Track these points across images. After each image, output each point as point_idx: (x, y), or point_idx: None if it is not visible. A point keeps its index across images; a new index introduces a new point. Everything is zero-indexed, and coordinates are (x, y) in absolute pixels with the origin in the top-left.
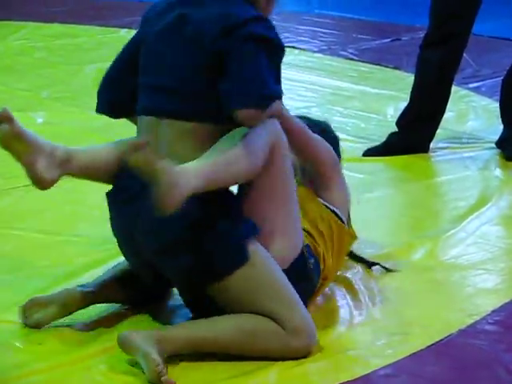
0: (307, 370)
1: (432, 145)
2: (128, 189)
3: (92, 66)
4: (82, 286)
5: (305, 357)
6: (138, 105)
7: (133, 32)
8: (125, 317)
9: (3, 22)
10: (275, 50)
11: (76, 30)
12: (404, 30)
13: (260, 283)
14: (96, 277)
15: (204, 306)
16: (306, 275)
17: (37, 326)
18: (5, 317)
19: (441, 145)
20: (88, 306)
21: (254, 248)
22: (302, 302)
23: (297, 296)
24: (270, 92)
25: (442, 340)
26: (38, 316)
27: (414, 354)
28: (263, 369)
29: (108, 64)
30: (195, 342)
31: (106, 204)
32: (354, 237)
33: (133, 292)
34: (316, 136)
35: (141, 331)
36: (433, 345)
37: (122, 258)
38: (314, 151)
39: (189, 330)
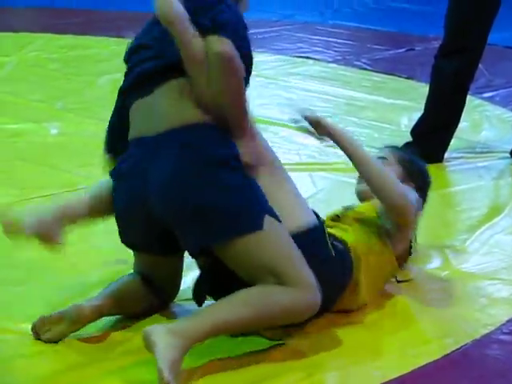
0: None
1: (446, 154)
2: (132, 156)
3: (105, 77)
4: (89, 300)
5: (315, 312)
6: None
7: None
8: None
9: (18, 34)
10: None
11: (89, 42)
12: (417, 40)
13: (269, 249)
14: (102, 290)
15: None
16: (321, 250)
17: (49, 342)
18: (19, 327)
19: (455, 154)
20: (97, 319)
21: (270, 221)
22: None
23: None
24: None
25: (457, 350)
26: (50, 334)
27: (429, 363)
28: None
29: (122, 75)
30: (218, 329)
31: None
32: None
33: (140, 303)
34: (383, 171)
35: (165, 326)
36: (448, 355)
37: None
38: (381, 189)
39: (210, 317)
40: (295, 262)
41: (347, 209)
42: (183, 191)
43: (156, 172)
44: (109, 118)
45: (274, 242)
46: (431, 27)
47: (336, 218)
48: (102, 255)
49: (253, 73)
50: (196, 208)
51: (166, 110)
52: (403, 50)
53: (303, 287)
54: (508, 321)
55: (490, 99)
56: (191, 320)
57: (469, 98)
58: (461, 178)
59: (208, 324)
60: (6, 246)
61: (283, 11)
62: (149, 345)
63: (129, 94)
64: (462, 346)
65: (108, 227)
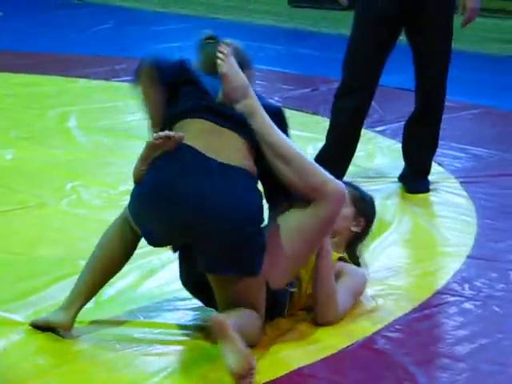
0: None
1: (345, 178)
2: (179, 160)
3: (54, 110)
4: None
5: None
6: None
7: (91, 82)
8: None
9: None
10: None
11: (40, 80)
12: (321, 81)
13: (255, 288)
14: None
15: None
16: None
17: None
18: None
19: (352, 179)
20: None
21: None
22: None
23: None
24: None
25: (350, 345)
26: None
27: (326, 357)
28: None
29: (69, 108)
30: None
31: (65, 227)
32: None
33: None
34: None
35: (231, 318)
36: (343, 349)
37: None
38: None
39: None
40: (263, 300)
41: None
42: (235, 222)
43: (212, 191)
44: None
45: (261, 285)
46: (332, 70)
47: None
48: (50, 263)
49: None
50: (231, 247)
51: (233, 149)
52: (309, 89)
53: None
54: (394, 320)
55: (382, 132)
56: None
57: (364, 131)
58: None
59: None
60: None
61: None
62: (221, 333)
63: (203, 105)
64: (355, 342)
65: (55, 238)
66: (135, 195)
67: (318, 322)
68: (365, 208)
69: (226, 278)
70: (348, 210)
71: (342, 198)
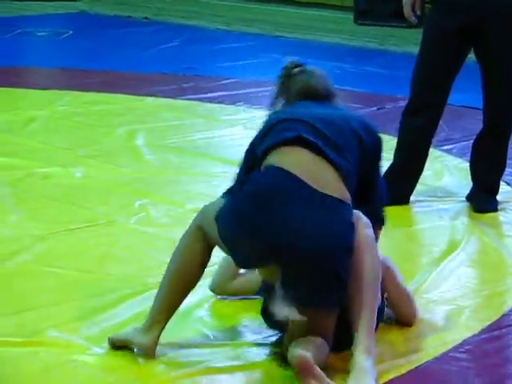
0: None
1: (412, 197)
2: (276, 184)
3: (122, 128)
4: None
5: None
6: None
7: (159, 100)
8: None
9: (49, 91)
10: None
11: (108, 98)
12: (387, 99)
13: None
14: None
15: None
16: None
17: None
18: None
19: (420, 198)
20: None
21: None
22: None
23: None
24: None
25: (420, 365)
26: None
27: (396, 377)
28: None
29: (136, 126)
30: None
31: (134, 245)
32: None
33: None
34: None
35: (311, 353)
36: (413, 369)
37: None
38: None
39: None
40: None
41: None
42: (335, 255)
43: (317, 222)
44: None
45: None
46: (398, 88)
47: None
48: (118, 280)
49: (248, 125)
50: (337, 274)
51: (332, 180)
52: (375, 108)
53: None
54: (463, 340)
55: (449, 151)
56: None
57: (431, 149)
58: (424, 218)
59: None
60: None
61: (273, 74)
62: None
63: (298, 135)
64: (423, 363)
65: (123, 256)
66: (232, 211)
67: (410, 324)
68: None
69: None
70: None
71: None
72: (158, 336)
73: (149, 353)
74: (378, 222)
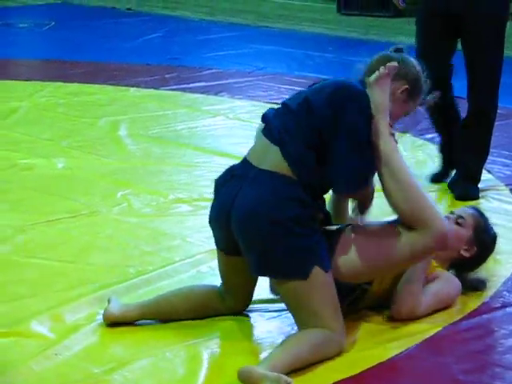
0: None
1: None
2: (232, 170)
3: (104, 119)
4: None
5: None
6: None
7: (142, 91)
8: None
9: (31, 82)
10: None
11: (92, 89)
12: None
13: (313, 295)
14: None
15: None
16: None
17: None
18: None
19: None
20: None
21: (317, 272)
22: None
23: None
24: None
25: (400, 353)
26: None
27: (372, 367)
28: None
29: (119, 117)
30: (295, 364)
31: (116, 236)
32: None
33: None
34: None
35: (257, 365)
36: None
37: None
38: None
39: (288, 355)
40: (333, 310)
41: None
42: (255, 228)
43: (242, 197)
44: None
45: (318, 290)
46: None
47: None
48: (99, 270)
49: (230, 115)
50: (261, 248)
51: (273, 157)
52: None
53: (337, 333)
54: (444, 328)
55: (432, 140)
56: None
57: (413, 138)
58: None
59: (292, 361)
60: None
61: (256, 64)
62: (253, 378)
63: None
64: (403, 350)
65: (105, 246)
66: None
67: (394, 317)
68: (483, 240)
69: (276, 282)
70: (466, 233)
71: (444, 240)
72: (130, 315)
73: (107, 316)
74: (336, 187)
